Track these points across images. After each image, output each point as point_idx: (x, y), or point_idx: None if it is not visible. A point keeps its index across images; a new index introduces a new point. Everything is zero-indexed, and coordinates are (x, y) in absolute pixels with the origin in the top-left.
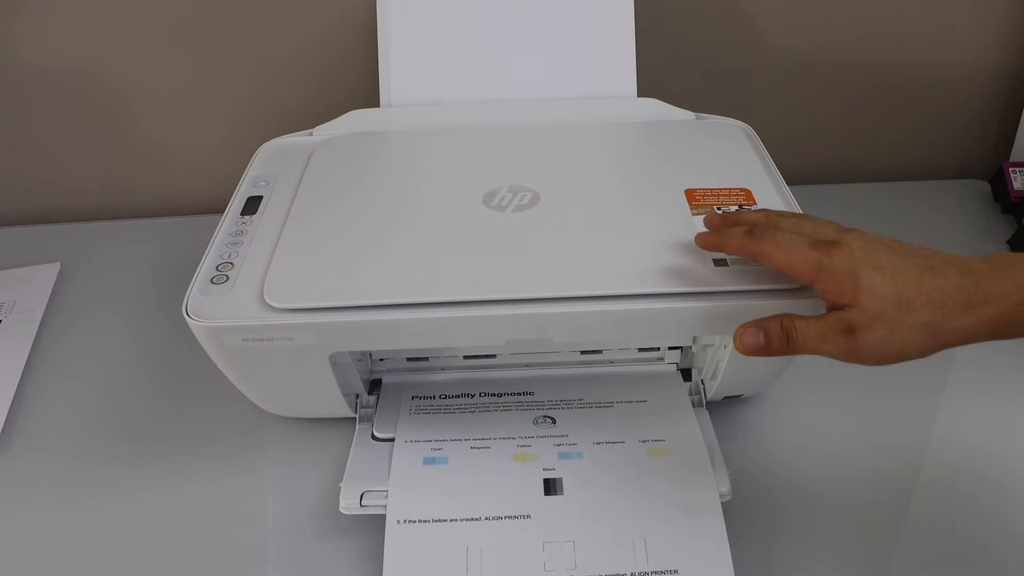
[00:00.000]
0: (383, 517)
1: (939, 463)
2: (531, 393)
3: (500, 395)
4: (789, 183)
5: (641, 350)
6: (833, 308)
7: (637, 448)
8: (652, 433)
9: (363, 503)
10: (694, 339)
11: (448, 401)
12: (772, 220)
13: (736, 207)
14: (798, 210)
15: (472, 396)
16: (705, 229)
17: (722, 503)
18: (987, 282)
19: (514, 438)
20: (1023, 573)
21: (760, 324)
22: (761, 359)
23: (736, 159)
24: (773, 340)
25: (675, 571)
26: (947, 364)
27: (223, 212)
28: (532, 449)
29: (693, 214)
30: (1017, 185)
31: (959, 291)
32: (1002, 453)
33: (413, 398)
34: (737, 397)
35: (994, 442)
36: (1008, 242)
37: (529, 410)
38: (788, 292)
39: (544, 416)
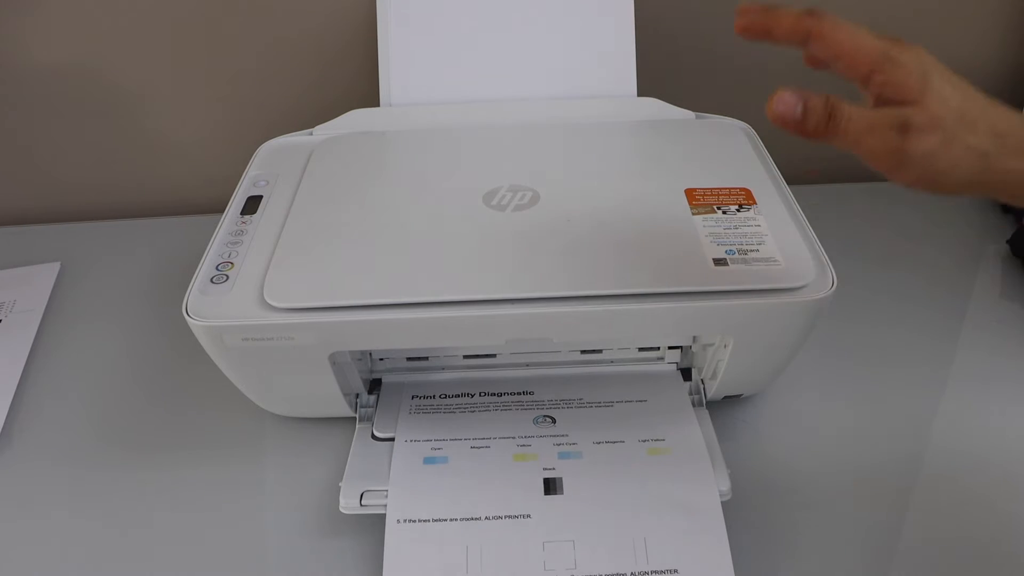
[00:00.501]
0: (383, 517)
1: (939, 462)
2: (531, 393)
3: (500, 395)
4: (789, 183)
5: (641, 349)
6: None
7: (637, 447)
8: (652, 432)
9: (363, 503)
10: (694, 338)
11: (448, 401)
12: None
13: (736, 207)
14: (799, 210)
15: (472, 396)
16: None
17: (722, 502)
18: None
19: (514, 438)
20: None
21: (803, 94)
22: (762, 358)
23: (736, 158)
24: (812, 116)
25: (675, 571)
26: (947, 363)
27: (223, 212)
28: (532, 449)
29: (693, 213)
30: None
31: (1023, 128)
32: (1001, 452)
33: (413, 398)
34: (737, 397)
35: (993, 440)
36: (1008, 242)
37: (529, 410)
38: (788, 292)
39: (544, 416)
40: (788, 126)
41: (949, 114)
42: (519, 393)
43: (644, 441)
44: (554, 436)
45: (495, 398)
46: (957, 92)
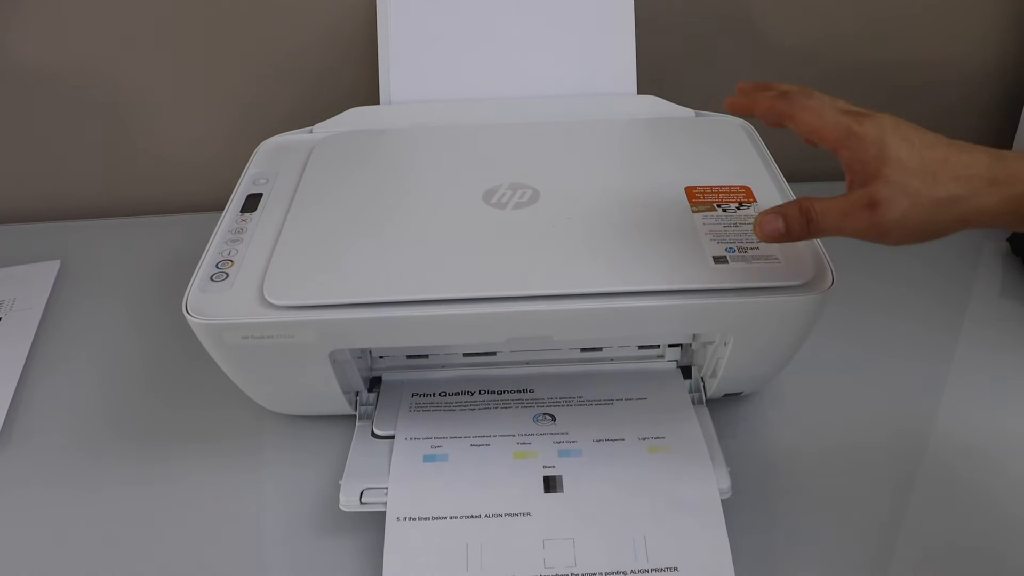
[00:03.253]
0: (383, 514)
1: (940, 459)
2: (531, 391)
3: (500, 392)
4: (789, 180)
5: (641, 347)
6: (854, 186)
7: (637, 445)
8: (652, 430)
9: (363, 500)
10: (694, 336)
11: (448, 398)
12: (806, 90)
13: (736, 205)
14: None
15: (472, 394)
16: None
17: (722, 500)
18: (1016, 163)
19: (514, 436)
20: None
21: (779, 210)
22: (762, 356)
23: (736, 156)
24: (793, 225)
25: (675, 568)
26: (947, 361)
27: (223, 210)
28: (532, 447)
29: (693, 212)
30: None
31: (986, 168)
32: (1002, 449)
33: (413, 396)
34: (737, 394)
35: (994, 438)
36: (1008, 240)
37: (529, 408)
38: (788, 290)
39: (544, 414)
40: (778, 239)
41: (910, 177)
42: (519, 391)
43: (644, 439)
44: (554, 434)
45: (495, 396)
46: (915, 151)
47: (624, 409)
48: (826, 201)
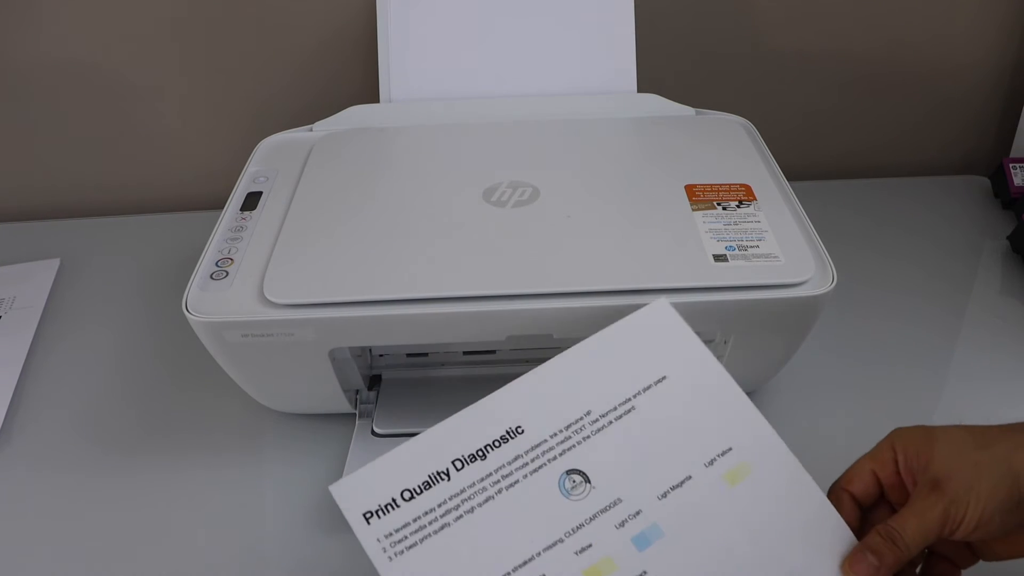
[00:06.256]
0: None
1: None
2: None
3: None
4: (789, 178)
5: None
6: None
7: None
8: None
9: None
10: None
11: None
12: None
13: (736, 203)
14: (799, 206)
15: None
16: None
17: None
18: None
19: (563, 540)
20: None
21: (863, 545)
22: (762, 354)
23: (736, 154)
24: (885, 554)
25: None
26: (947, 359)
27: (223, 208)
28: (597, 549)
29: (693, 210)
30: (1017, 181)
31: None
32: None
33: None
34: None
35: None
36: (1008, 238)
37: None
38: (789, 288)
39: (569, 472)
40: None
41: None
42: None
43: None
44: (604, 510)
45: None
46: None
47: None
48: (897, 516)
